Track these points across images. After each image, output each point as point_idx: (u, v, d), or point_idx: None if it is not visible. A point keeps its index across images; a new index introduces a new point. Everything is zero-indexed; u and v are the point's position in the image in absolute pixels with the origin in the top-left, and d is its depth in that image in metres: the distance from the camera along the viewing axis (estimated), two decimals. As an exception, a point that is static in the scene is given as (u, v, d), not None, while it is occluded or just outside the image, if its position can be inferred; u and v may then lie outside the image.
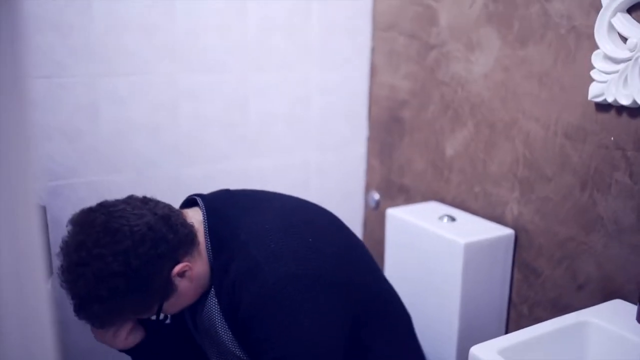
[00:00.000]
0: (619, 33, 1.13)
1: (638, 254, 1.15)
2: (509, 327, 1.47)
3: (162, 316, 1.12)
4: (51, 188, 1.40)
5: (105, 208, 1.05)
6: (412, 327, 1.31)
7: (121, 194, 1.12)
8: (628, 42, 1.10)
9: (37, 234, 0.44)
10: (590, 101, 1.20)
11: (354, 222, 1.90)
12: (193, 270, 1.09)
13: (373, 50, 1.81)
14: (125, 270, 1.00)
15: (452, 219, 1.49)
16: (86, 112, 1.42)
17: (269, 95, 1.67)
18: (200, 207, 1.15)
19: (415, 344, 1.30)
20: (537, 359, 1.04)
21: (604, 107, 1.18)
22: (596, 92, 1.17)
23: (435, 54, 1.59)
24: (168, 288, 1.07)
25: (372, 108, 1.85)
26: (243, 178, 1.66)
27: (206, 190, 1.24)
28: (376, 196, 1.87)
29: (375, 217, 1.88)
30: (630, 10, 1.12)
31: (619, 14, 1.12)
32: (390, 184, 1.81)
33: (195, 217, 1.13)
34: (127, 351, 1.17)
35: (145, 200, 1.10)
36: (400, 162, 1.76)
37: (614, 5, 1.11)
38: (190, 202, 1.20)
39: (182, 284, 1.08)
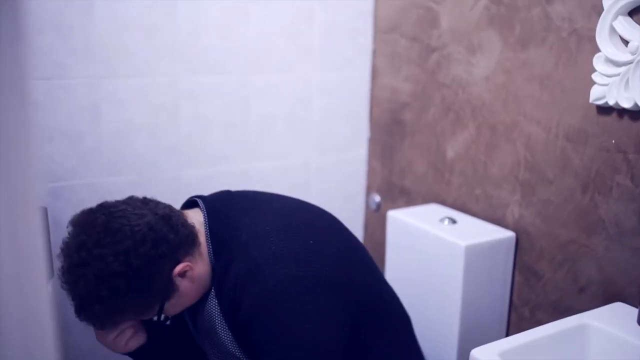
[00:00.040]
0: (620, 36, 1.13)
1: (639, 257, 1.15)
2: (510, 329, 1.47)
3: (162, 317, 1.12)
4: (52, 189, 1.40)
5: (105, 208, 1.05)
6: (412, 328, 1.31)
7: (122, 195, 1.12)
8: (629, 45, 1.10)
9: (38, 235, 0.44)
10: (592, 104, 1.20)
11: (355, 224, 1.89)
12: (194, 271, 1.09)
13: (374, 52, 1.81)
14: (126, 270, 1.00)
15: (453, 221, 1.49)
16: (87, 113, 1.42)
17: (270, 96, 1.67)
18: (201, 208, 1.15)
19: (415, 345, 1.30)
20: (537, 362, 1.04)
21: (605, 110, 1.18)
22: (597, 95, 1.17)
23: (436, 56, 1.59)
24: (169, 288, 1.07)
25: (373, 110, 1.85)
26: (244, 179, 1.66)
27: (207, 191, 1.24)
28: (377, 198, 1.87)
29: (376, 219, 1.88)
30: (631, 13, 1.12)
31: (620, 17, 1.12)
32: (391, 186, 1.81)
33: (196, 218, 1.13)
34: (128, 353, 1.17)
35: (146, 201, 1.10)
36: (401, 164, 1.76)
37: (616, 8, 1.11)
38: (191, 203, 1.20)
39: (183, 284, 1.08)
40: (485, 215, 1.50)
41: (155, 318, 1.11)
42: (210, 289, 1.13)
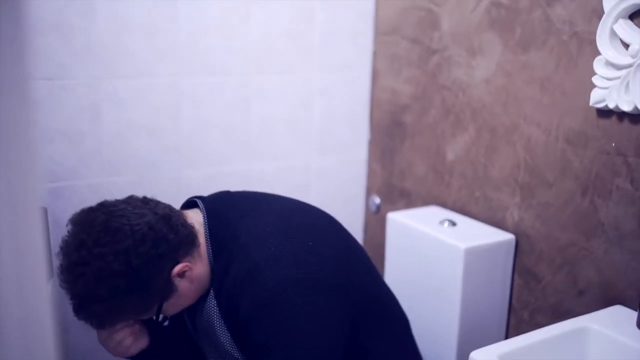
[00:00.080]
0: (620, 39, 1.13)
1: (639, 260, 1.15)
2: (509, 332, 1.47)
3: (160, 317, 1.12)
4: (52, 189, 1.40)
5: (105, 207, 1.05)
6: (410, 329, 1.31)
7: (122, 196, 1.12)
8: (630, 48, 1.10)
9: (38, 235, 0.44)
10: (592, 107, 1.20)
11: (355, 226, 1.89)
12: (193, 271, 1.09)
13: (375, 54, 1.81)
14: (126, 269, 1.00)
15: (453, 223, 1.49)
16: (88, 113, 1.42)
17: (271, 98, 1.67)
18: (200, 209, 1.15)
19: (413, 346, 1.30)
20: (537, 365, 1.04)
21: (605, 113, 1.18)
22: (598, 98, 1.17)
23: (437, 58, 1.59)
24: (168, 288, 1.07)
25: (373, 112, 1.85)
26: (244, 181, 1.66)
27: (207, 192, 1.24)
28: (377, 200, 1.87)
29: (376, 221, 1.88)
30: (632, 17, 1.12)
31: (620, 21, 1.12)
32: (391, 188, 1.81)
33: (196, 218, 1.13)
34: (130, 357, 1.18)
35: (146, 201, 1.10)
36: (401, 166, 1.76)
37: (616, 11, 1.11)
38: (190, 203, 1.20)
39: (182, 285, 1.08)
40: (485, 218, 1.50)
41: (154, 317, 1.11)
42: (209, 290, 1.13)
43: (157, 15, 1.46)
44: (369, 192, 1.90)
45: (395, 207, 1.78)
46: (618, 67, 1.12)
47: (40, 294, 0.43)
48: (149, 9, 1.44)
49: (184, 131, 1.55)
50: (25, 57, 0.43)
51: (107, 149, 1.46)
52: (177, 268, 1.06)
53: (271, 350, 1.03)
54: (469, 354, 1.02)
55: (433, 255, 1.43)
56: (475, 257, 1.36)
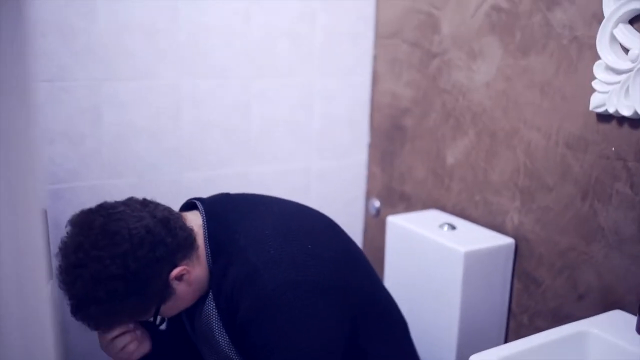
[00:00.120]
0: (620, 44, 1.13)
1: (638, 265, 1.15)
2: (509, 336, 1.47)
3: (158, 320, 1.12)
4: (53, 191, 1.40)
5: (104, 210, 1.05)
6: (408, 331, 1.31)
7: (122, 198, 1.12)
8: (630, 53, 1.10)
9: (38, 236, 0.44)
10: (592, 111, 1.20)
11: (355, 229, 1.89)
12: (191, 274, 1.09)
13: (375, 58, 1.81)
14: (123, 273, 1.00)
15: (453, 227, 1.49)
16: (88, 115, 1.42)
17: (271, 101, 1.67)
18: (199, 211, 1.15)
19: (411, 348, 1.30)
20: (536, 369, 1.04)
21: (605, 117, 1.19)
22: (597, 102, 1.17)
23: (437, 62, 1.59)
24: (166, 291, 1.07)
25: (373, 115, 1.85)
26: (244, 183, 1.66)
27: (207, 194, 1.24)
28: (377, 203, 1.87)
29: (375, 224, 1.88)
30: (632, 22, 1.12)
31: (620, 25, 1.12)
32: (391, 191, 1.81)
33: (195, 220, 1.13)
34: None
35: (145, 203, 1.10)
36: (401, 170, 1.77)
37: (616, 16, 1.12)
38: (189, 205, 1.20)
39: (180, 288, 1.08)
40: (484, 222, 1.50)
41: (151, 320, 1.11)
42: (208, 292, 1.13)
43: (158, 18, 1.46)
44: (368, 196, 1.91)
45: (395, 211, 1.78)
46: (618, 72, 1.12)
47: (40, 295, 0.43)
48: (149, 10, 1.44)
49: (184, 133, 1.55)
50: (27, 59, 0.43)
51: (108, 151, 1.46)
52: (175, 271, 1.06)
53: (270, 353, 1.03)
54: (468, 357, 1.02)
55: (433, 259, 1.43)
56: (475, 260, 1.36)
